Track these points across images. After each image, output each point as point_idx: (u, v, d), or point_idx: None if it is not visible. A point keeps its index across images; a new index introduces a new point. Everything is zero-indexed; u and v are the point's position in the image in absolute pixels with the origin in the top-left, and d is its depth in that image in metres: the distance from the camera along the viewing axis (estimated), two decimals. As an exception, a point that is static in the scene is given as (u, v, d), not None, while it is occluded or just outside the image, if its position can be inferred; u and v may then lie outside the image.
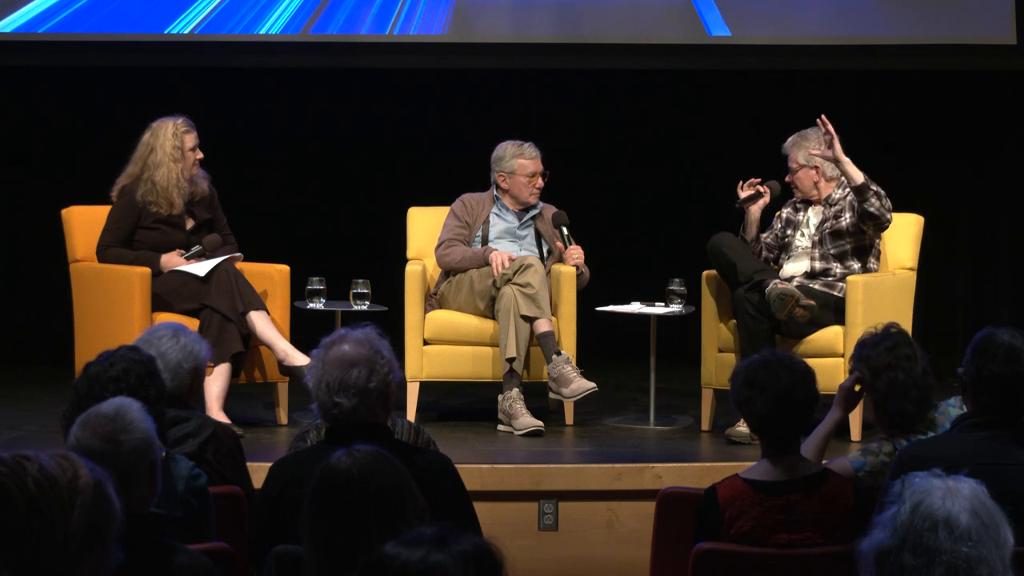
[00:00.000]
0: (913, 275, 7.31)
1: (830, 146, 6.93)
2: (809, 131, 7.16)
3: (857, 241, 7.11)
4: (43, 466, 2.35)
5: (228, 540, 4.05)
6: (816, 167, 7.15)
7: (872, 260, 7.16)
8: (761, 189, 7.20)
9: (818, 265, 7.14)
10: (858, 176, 6.93)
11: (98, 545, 2.38)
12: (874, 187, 6.94)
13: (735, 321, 7.07)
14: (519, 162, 7.48)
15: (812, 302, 6.86)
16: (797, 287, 6.93)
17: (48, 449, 2.40)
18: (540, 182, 7.50)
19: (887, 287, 7.14)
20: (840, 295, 7.02)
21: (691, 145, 9.49)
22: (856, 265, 7.11)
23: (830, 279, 7.10)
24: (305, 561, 3.02)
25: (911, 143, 9.42)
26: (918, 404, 4.68)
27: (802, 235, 7.22)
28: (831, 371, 6.72)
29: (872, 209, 6.92)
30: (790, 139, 7.23)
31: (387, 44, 9.10)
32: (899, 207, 7.47)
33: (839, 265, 7.12)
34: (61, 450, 2.42)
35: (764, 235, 7.30)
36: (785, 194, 7.31)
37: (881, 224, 7.01)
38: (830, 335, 7.00)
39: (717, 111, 9.41)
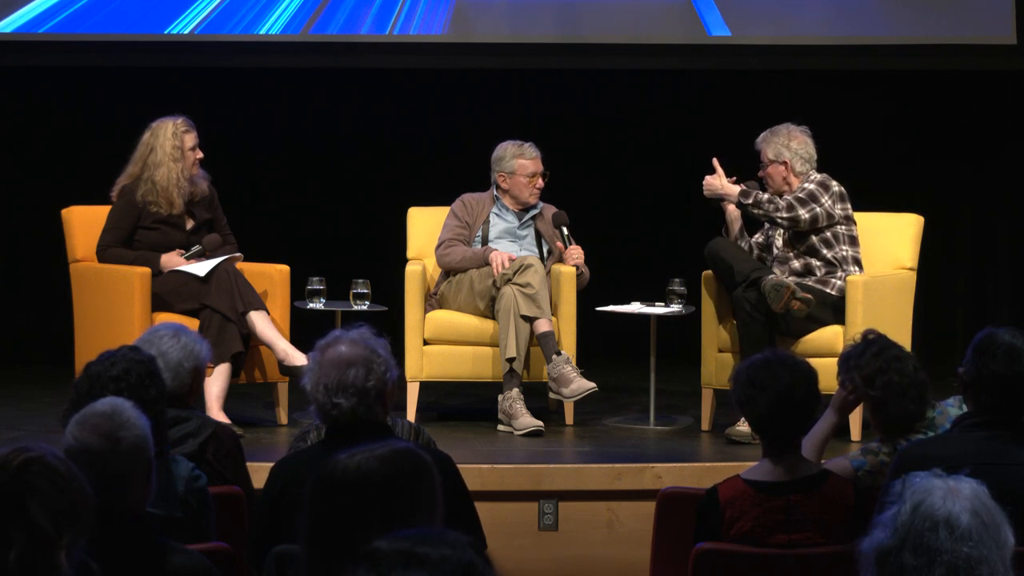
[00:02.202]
0: (913, 275, 7.31)
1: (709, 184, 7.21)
2: (779, 127, 7.24)
3: (818, 234, 7.12)
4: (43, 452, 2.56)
5: (228, 540, 4.05)
6: (785, 162, 7.17)
7: (845, 247, 7.12)
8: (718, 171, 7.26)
9: (797, 264, 7.15)
10: (732, 193, 7.12)
11: (78, 523, 2.54)
12: (750, 200, 7.04)
13: (735, 321, 7.07)
14: (519, 162, 7.48)
15: (809, 295, 6.86)
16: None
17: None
18: (540, 182, 7.49)
19: (887, 287, 7.13)
20: (835, 293, 7.02)
21: (691, 145, 9.45)
22: (828, 254, 7.10)
23: (821, 276, 7.09)
24: (300, 560, 3.00)
25: (911, 143, 9.41)
26: (918, 401, 4.69)
27: (779, 235, 7.25)
28: (831, 371, 6.67)
29: (762, 220, 7.09)
30: (761, 135, 7.27)
31: (387, 44, 9.09)
32: (899, 207, 7.48)
33: (815, 259, 7.13)
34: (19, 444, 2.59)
35: (756, 236, 7.33)
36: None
37: (779, 224, 7.11)
38: (829, 334, 6.99)
39: (717, 111, 9.39)
